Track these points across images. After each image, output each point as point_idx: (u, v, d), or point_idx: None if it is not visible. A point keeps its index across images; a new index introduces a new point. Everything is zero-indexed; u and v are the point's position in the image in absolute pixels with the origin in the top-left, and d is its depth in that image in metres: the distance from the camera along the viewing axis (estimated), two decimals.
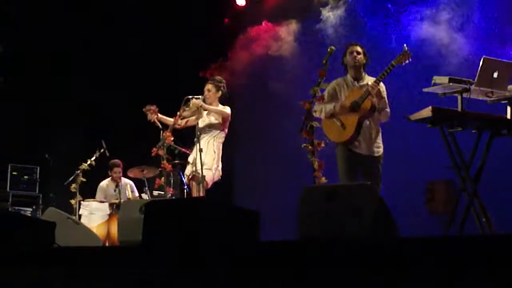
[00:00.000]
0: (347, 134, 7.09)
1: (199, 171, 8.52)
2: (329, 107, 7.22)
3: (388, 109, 7.26)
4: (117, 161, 11.27)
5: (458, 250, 3.30)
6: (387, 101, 7.30)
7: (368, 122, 7.16)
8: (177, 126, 9.02)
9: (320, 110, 7.26)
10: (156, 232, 4.34)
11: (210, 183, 8.74)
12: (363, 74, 7.39)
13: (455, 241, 3.46)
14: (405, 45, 7.09)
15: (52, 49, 12.45)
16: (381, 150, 7.29)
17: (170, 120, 9.10)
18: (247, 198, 11.16)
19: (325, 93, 7.31)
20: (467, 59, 9.06)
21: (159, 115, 9.14)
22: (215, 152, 8.81)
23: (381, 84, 7.20)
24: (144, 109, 9.13)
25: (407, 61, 7.03)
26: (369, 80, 7.25)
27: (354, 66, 7.33)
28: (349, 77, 7.39)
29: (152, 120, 9.08)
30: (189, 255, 3.98)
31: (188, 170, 8.86)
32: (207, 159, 8.66)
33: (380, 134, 7.34)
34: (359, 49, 7.35)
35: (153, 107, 9.13)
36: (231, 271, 3.81)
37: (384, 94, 7.30)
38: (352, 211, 4.77)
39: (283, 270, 3.73)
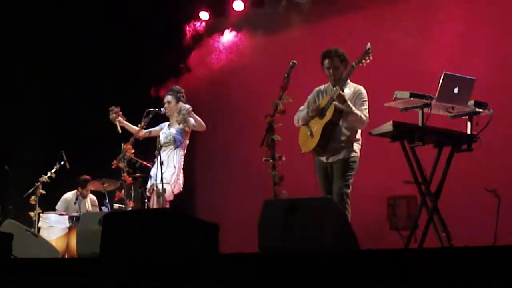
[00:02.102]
0: (313, 142, 7.04)
1: (159, 184, 8.44)
2: (303, 114, 7.21)
3: (359, 114, 6.95)
4: (89, 178, 11.18)
5: (418, 262, 3.30)
6: (363, 106, 7.06)
7: (337, 128, 7.01)
8: (139, 138, 8.95)
9: (297, 120, 7.27)
10: (114, 244, 4.29)
11: (170, 197, 8.64)
12: (346, 81, 7.14)
13: (415, 253, 3.46)
14: (368, 44, 6.96)
15: (11, 60, 12.30)
16: (353, 154, 7.08)
17: (131, 127, 9.04)
18: (208, 210, 11.12)
19: (306, 102, 7.33)
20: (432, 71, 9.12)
21: (122, 119, 9.05)
22: (175, 166, 8.69)
23: (355, 88, 7.11)
24: (109, 108, 9.05)
25: (368, 61, 6.91)
26: (352, 86, 7.15)
27: (334, 81, 7.17)
28: (331, 85, 7.23)
29: (113, 120, 8.99)
30: (147, 267, 3.94)
31: (149, 183, 8.77)
32: (166, 173, 8.54)
33: (356, 139, 7.14)
34: (333, 63, 7.12)
35: (117, 109, 9.05)
36: (190, 283, 3.77)
37: (361, 97, 7.10)
38: (313, 224, 4.75)
39: (242, 282, 3.71)
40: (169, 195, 8.57)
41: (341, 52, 7.19)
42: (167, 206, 8.50)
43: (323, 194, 7.05)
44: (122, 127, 9.06)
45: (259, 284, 3.67)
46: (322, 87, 7.37)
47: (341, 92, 6.88)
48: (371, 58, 6.90)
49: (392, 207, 9.09)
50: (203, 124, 8.85)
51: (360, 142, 7.19)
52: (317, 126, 7.01)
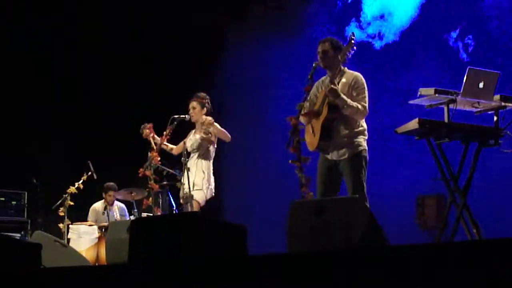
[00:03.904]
0: (315, 141, 6.76)
1: (188, 190, 8.44)
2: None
3: (355, 106, 6.62)
4: (112, 184, 11.22)
5: (449, 256, 3.28)
6: (361, 95, 6.73)
7: (336, 123, 6.73)
8: (163, 147, 8.93)
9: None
10: (141, 249, 4.29)
11: (202, 203, 8.60)
12: (342, 70, 6.89)
13: (446, 247, 3.43)
14: (351, 33, 6.73)
15: (37, 73, 12.40)
16: (359, 149, 6.73)
17: (165, 145, 9.00)
18: (235, 213, 11.12)
19: (309, 97, 7.01)
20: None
21: (156, 136, 8.98)
22: (204, 172, 8.65)
23: (351, 76, 6.82)
24: (142, 126, 8.99)
25: (352, 52, 6.65)
26: (349, 75, 6.86)
27: (323, 66, 6.93)
28: (327, 76, 6.98)
29: (147, 137, 8.92)
30: (176, 271, 3.93)
31: (181, 191, 8.69)
32: (197, 179, 8.53)
33: (359, 130, 6.79)
34: (322, 48, 6.87)
35: (149, 125, 8.98)
36: (219, 285, 3.76)
37: (358, 85, 6.78)
38: (341, 224, 4.73)
39: (272, 283, 3.69)
40: (202, 201, 8.56)
41: (335, 40, 6.96)
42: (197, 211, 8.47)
43: (318, 195, 6.77)
44: (155, 143, 9.00)
45: (288, 285, 3.65)
46: (322, 78, 7.08)
47: (333, 86, 6.59)
48: (355, 48, 6.66)
49: (421, 206, 9.05)
50: (228, 134, 8.76)
51: (365, 132, 6.86)
52: (317, 124, 6.78)
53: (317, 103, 6.87)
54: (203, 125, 8.63)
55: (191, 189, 8.47)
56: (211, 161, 8.79)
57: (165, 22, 12.28)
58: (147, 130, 8.94)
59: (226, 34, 12.72)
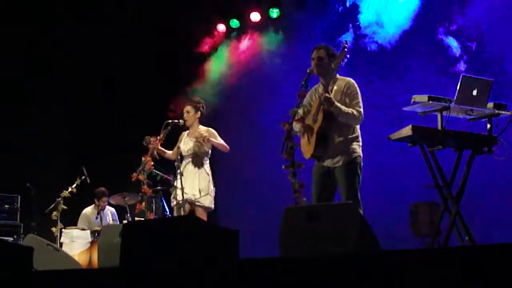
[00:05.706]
0: (310, 149, 6.78)
1: (191, 196, 8.41)
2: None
3: (350, 112, 6.65)
4: (104, 190, 11.21)
5: (442, 262, 3.27)
6: (355, 100, 6.76)
7: (331, 132, 6.76)
8: (159, 151, 8.88)
9: (295, 126, 6.94)
10: (133, 253, 4.27)
11: (212, 206, 8.65)
12: (335, 77, 6.91)
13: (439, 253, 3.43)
14: (345, 41, 6.73)
15: (30, 75, 12.38)
16: (354, 156, 6.76)
17: (168, 153, 8.98)
18: (228, 218, 11.10)
19: (302, 106, 6.98)
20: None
21: (159, 147, 8.89)
22: (208, 174, 8.65)
23: (343, 82, 6.85)
24: (146, 143, 8.88)
25: (345, 60, 6.65)
26: (341, 81, 6.91)
27: (317, 73, 6.94)
28: (321, 83, 7.01)
29: (154, 151, 8.79)
30: (168, 275, 3.92)
31: (179, 195, 8.53)
32: (202, 184, 8.51)
33: (354, 137, 6.82)
34: (317, 54, 6.91)
35: (153, 139, 8.86)
36: None
37: (351, 91, 6.82)
38: (334, 230, 4.72)
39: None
40: (212, 204, 8.61)
41: (330, 47, 6.97)
42: (205, 216, 8.45)
43: (314, 202, 6.80)
44: (159, 154, 8.94)
45: None
46: (315, 87, 7.11)
47: (327, 95, 6.61)
48: (348, 56, 6.64)
49: (415, 214, 9.05)
50: (226, 146, 8.73)
51: (359, 138, 6.89)
52: (312, 132, 6.80)
53: (311, 111, 6.88)
54: (199, 139, 8.59)
55: (199, 195, 8.45)
56: (208, 161, 8.78)
57: (162, 24, 12.27)
58: (152, 145, 8.80)
59: (221, 40, 12.73)
